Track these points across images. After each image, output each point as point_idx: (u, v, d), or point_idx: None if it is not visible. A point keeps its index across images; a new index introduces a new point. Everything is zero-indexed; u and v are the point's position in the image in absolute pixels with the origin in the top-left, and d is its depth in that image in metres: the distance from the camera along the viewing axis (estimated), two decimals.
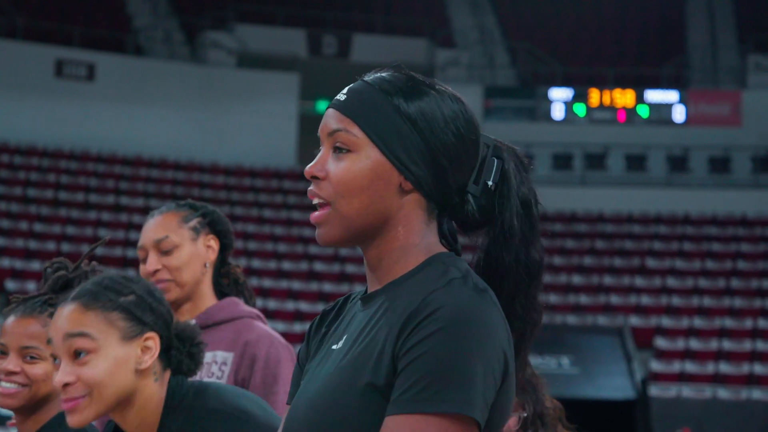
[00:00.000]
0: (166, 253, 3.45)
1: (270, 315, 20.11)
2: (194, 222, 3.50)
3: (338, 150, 2.01)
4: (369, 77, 2.06)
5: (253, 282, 21.28)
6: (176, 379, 2.49)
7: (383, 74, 2.06)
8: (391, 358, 1.90)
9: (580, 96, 27.22)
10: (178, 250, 3.45)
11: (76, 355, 2.38)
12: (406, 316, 1.91)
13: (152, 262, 3.44)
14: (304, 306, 20.92)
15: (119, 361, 2.40)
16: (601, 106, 27.20)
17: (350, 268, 22.48)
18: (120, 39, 26.72)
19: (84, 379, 2.37)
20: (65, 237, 21.85)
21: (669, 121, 27.16)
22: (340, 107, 2.03)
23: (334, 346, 2.04)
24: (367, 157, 1.99)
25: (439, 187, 2.02)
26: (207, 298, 3.52)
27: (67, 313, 2.41)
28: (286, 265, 22.46)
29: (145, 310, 2.45)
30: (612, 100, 27.20)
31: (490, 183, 2.04)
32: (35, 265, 20.49)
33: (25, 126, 24.45)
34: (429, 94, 2.04)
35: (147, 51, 27.29)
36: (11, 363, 2.84)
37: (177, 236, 3.46)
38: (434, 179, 2.01)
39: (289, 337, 17.91)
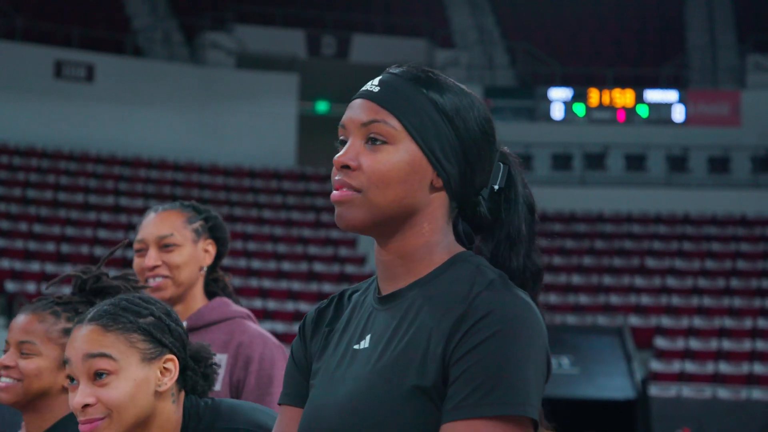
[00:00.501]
0: (167, 250, 3.44)
1: (270, 315, 20.11)
2: (197, 224, 3.50)
3: (373, 141, 1.97)
4: (397, 70, 2.03)
5: (253, 283, 21.28)
6: (190, 399, 2.47)
7: (410, 69, 2.03)
8: (441, 361, 1.89)
9: (580, 96, 27.19)
10: (180, 249, 3.45)
11: (96, 376, 2.35)
12: (454, 319, 1.90)
13: (153, 257, 3.43)
14: (303, 306, 20.90)
15: (140, 382, 2.36)
16: (601, 106, 27.18)
17: (350, 269, 22.47)
18: (119, 40, 26.71)
19: (104, 401, 2.34)
20: (65, 238, 21.83)
21: (668, 121, 27.14)
22: (376, 98, 1.99)
23: (356, 346, 2.00)
24: (406, 150, 1.96)
25: (463, 186, 2.01)
26: (198, 301, 3.51)
27: (86, 334, 2.37)
28: (286, 266, 22.45)
29: (164, 331, 2.42)
30: (611, 100, 27.18)
31: (496, 187, 2.04)
32: (35, 266, 20.47)
33: (24, 127, 24.43)
34: (459, 92, 2.04)
35: (146, 52, 27.28)
36: (8, 358, 2.86)
37: (180, 235, 3.46)
38: (461, 178, 2.00)
39: (288, 337, 17.91)
